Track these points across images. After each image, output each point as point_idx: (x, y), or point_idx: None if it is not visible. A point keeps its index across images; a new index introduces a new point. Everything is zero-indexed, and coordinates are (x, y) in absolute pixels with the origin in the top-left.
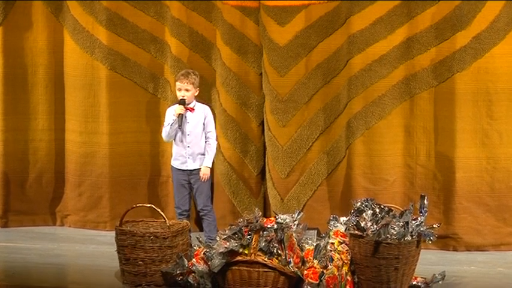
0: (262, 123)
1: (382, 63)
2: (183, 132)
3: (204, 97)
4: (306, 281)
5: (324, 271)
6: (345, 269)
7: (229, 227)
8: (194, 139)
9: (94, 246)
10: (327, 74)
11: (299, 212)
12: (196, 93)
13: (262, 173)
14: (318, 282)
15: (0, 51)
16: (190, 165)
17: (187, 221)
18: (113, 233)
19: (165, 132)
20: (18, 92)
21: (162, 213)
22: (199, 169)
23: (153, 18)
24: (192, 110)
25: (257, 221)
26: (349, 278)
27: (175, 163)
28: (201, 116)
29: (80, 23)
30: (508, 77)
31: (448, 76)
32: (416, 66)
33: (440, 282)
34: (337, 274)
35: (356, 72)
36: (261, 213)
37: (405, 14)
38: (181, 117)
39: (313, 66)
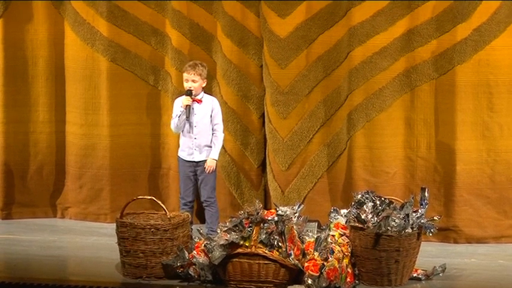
0: (262, 116)
1: (382, 55)
2: (190, 124)
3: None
4: (307, 273)
5: (325, 263)
6: (346, 261)
7: (230, 219)
8: (201, 131)
9: (95, 239)
10: (327, 66)
11: (300, 204)
12: (203, 85)
13: (263, 165)
14: (318, 274)
15: (0, 43)
16: (197, 157)
17: (188, 213)
18: (114, 225)
19: (174, 124)
20: (19, 84)
21: (162, 205)
22: (205, 161)
23: (154, 10)
24: (199, 101)
25: (258, 213)
26: (349, 270)
27: (182, 154)
28: (208, 107)
29: (80, 15)
30: (508, 69)
31: (449, 68)
32: (416, 59)
33: (440, 274)
34: (337, 266)
35: (357, 64)
36: (261, 206)
37: (406, 6)
38: (188, 109)
39: (314, 58)
